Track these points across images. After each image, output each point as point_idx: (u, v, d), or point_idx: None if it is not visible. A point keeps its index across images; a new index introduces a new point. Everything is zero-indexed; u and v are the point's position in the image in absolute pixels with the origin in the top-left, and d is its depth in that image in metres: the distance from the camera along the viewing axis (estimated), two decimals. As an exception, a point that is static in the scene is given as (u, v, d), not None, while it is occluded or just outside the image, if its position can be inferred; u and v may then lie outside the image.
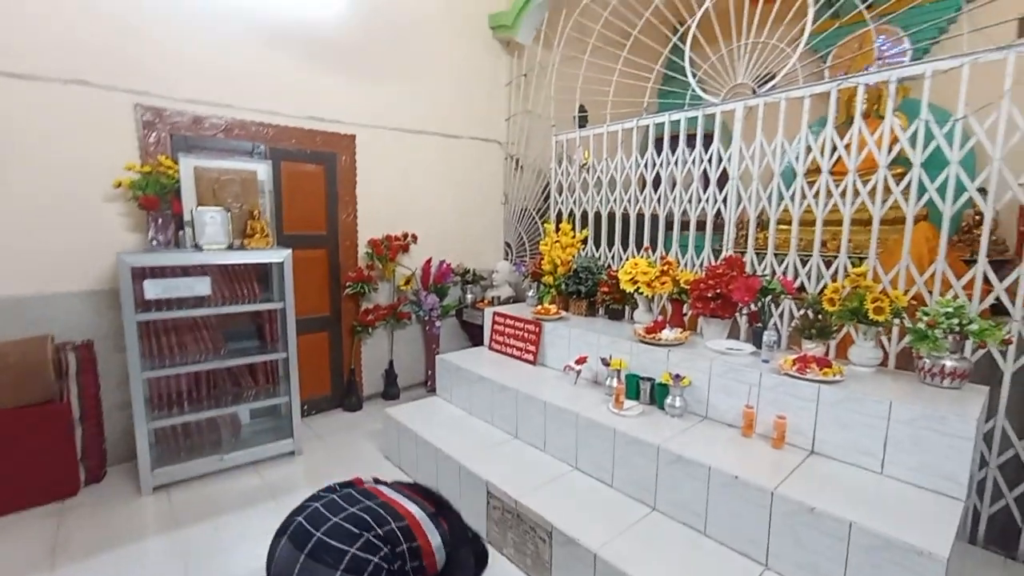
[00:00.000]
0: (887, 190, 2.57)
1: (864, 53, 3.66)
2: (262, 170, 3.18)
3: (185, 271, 2.81)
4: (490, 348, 3.50)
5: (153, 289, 2.64)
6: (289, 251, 3.06)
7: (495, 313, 3.49)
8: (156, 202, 2.78)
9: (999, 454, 2.30)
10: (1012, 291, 2.23)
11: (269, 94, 3.44)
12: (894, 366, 2.49)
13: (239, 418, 3.27)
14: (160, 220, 2.84)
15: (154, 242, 2.84)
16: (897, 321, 2.27)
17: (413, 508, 1.65)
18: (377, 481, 1.91)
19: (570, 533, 1.95)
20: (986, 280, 2.30)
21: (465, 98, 4.54)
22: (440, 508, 1.72)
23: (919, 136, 2.46)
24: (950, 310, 1.93)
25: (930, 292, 2.45)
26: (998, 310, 2.31)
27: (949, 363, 1.95)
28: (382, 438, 3.34)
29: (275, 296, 3.15)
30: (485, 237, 4.87)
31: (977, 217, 3.48)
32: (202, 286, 2.78)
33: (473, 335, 4.51)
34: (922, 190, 2.45)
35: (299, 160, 3.63)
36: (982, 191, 2.31)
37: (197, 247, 2.82)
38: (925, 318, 2.00)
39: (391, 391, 4.28)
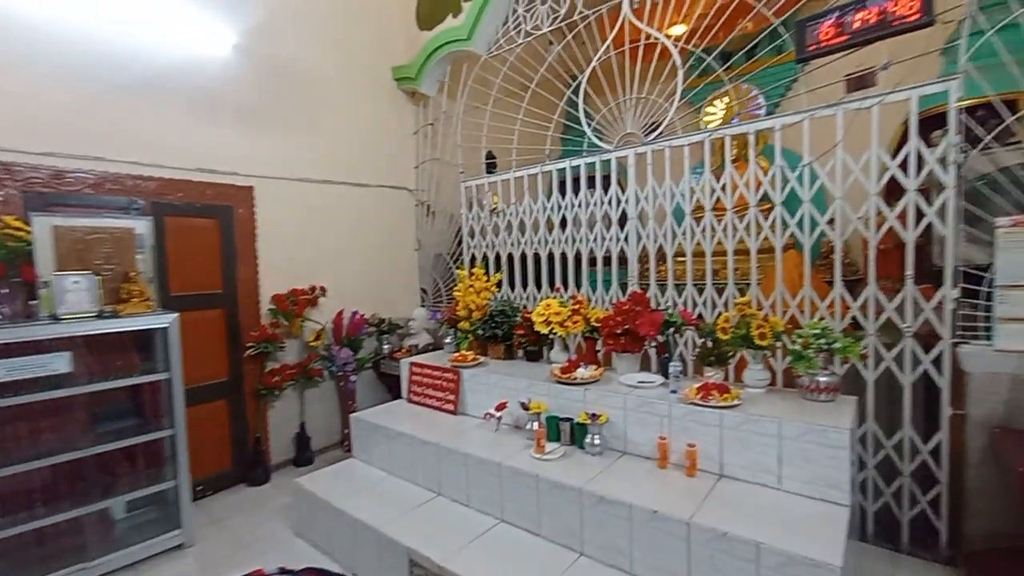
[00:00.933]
0: (759, 225, 2.90)
1: (731, 106, 4.18)
2: (140, 227, 2.89)
3: (37, 347, 2.42)
4: (409, 400, 3.36)
5: (-7, 372, 2.24)
6: (175, 315, 2.77)
7: (412, 364, 3.37)
8: (1, 269, 2.40)
9: (874, 455, 2.57)
10: (865, 308, 2.57)
11: (149, 145, 3.18)
12: (782, 384, 2.73)
13: (111, 514, 2.80)
14: (7, 290, 2.45)
15: None
16: (779, 343, 2.51)
17: None
18: (284, 571, 1.71)
19: (498, 595, 1.86)
20: (845, 299, 2.63)
21: (372, 147, 4.51)
22: None
23: (777, 179, 2.81)
24: (818, 331, 2.17)
25: (802, 312, 2.75)
26: (857, 325, 2.64)
27: (823, 379, 2.17)
28: (293, 513, 3.03)
29: (159, 366, 2.81)
30: (399, 285, 4.77)
31: (832, 244, 4.02)
32: (59, 363, 2.41)
33: (391, 386, 4.31)
34: (788, 224, 2.79)
35: (187, 215, 3.35)
36: (832, 222, 2.68)
37: (54, 318, 2.46)
38: (799, 340, 2.23)
39: (304, 457, 3.94)
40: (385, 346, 4.36)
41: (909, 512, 2.50)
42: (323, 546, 2.75)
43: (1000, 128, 2.30)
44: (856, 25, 2.48)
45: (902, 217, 2.47)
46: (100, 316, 2.60)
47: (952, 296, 2.35)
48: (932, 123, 2.64)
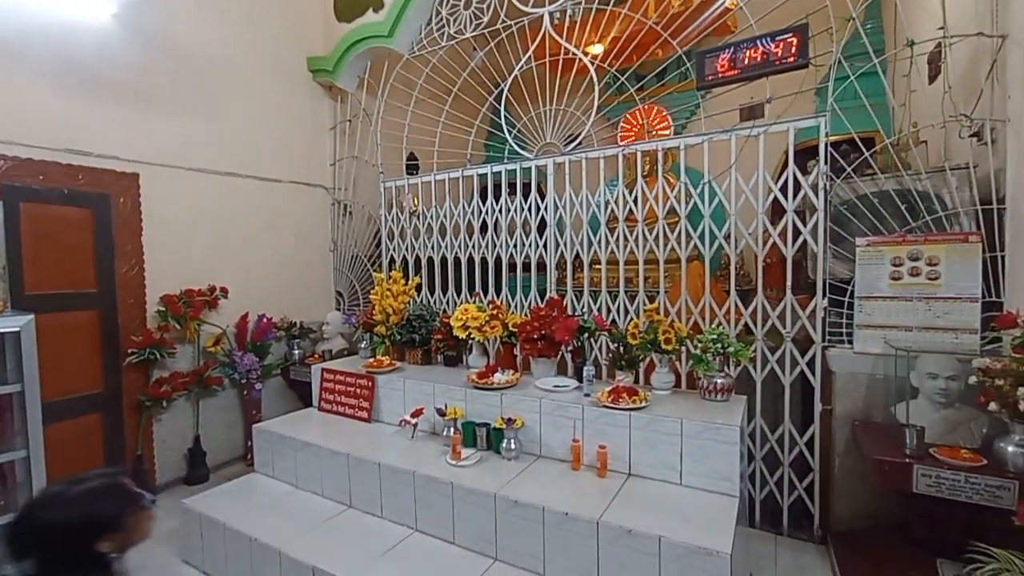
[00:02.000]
0: (666, 236, 3.11)
1: (643, 124, 4.46)
2: (-12, 215, 2.46)
3: None
4: (320, 408, 3.17)
5: None
6: (30, 317, 2.38)
7: (323, 370, 3.19)
8: None
9: (760, 447, 2.85)
10: (754, 315, 2.84)
11: (1, 118, 2.72)
12: (685, 386, 2.93)
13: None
14: None
15: None
16: (683, 347, 2.70)
17: None
18: None
19: (408, 609, 1.80)
20: (739, 307, 2.90)
21: (285, 141, 4.23)
22: None
23: (682, 195, 3.04)
24: (715, 336, 2.37)
25: (704, 319, 2.99)
26: (749, 330, 2.91)
27: (719, 380, 2.36)
28: (180, 538, 2.72)
29: (8, 376, 2.40)
30: (313, 287, 4.50)
31: (730, 257, 4.42)
32: None
33: (303, 394, 4.05)
34: (692, 236, 3.02)
35: (51, 202, 2.91)
36: (728, 237, 2.94)
37: None
38: (700, 344, 2.41)
39: (198, 474, 3.57)
40: (296, 351, 4.09)
41: (789, 498, 2.79)
42: (215, 573, 2.50)
43: (859, 160, 2.66)
44: (746, 61, 2.76)
45: (783, 234, 2.77)
46: (-70, 318, 2.18)
47: (822, 305, 2.67)
48: (808, 154, 2.99)
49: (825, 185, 2.65)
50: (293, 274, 4.30)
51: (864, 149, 2.63)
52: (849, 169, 2.65)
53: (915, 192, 2.57)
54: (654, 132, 3.73)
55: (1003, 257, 2.33)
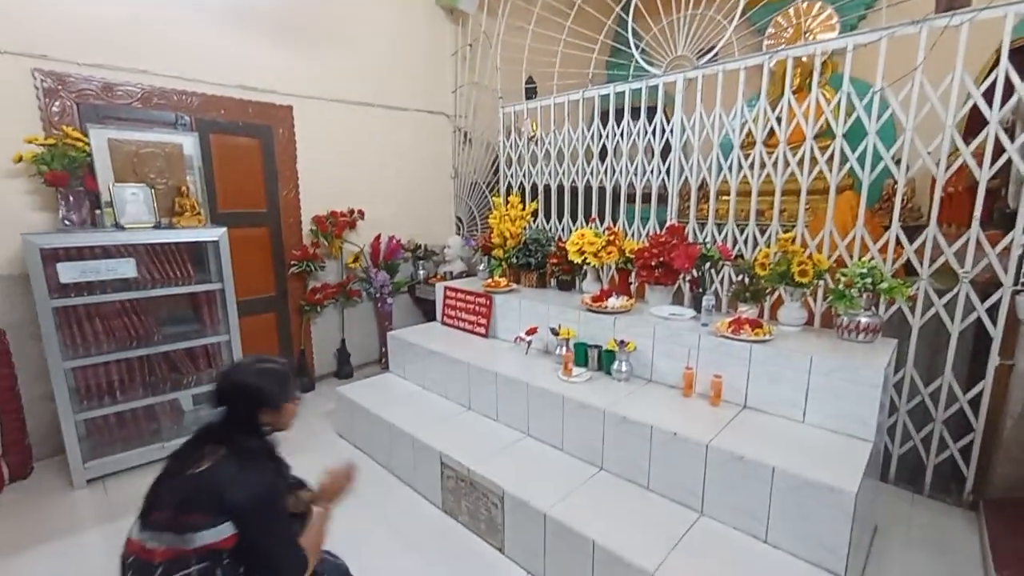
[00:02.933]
0: (814, 161, 2.72)
1: (799, 24, 3.80)
2: (188, 143, 2.97)
3: (106, 252, 2.62)
4: (443, 323, 3.49)
5: (68, 273, 2.45)
6: (224, 229, 2.90)
7: (446, 288, 3.47)
8: (65, 178, 2.55)
9: (908, 400, 2.54)
10: (921, 252, 2.43)
11: (190, 59, 3.19)
12: (819, 325, 2.67)
13: (180, 405, 3.13)
14: (71, 198, 2.60)
15: (66, 222, 2.61)
16: (820, 283, 2.43)
17: None
18: None
19: (521, 496, 2.01)
20: (900, 241, 2.49)
21: (409, 69, 4.38)
22: None
23: (842, 108, 2.59)
24: (864, 271, 2.08)
25: (851, 256, 2.63)
26: (913, 271, 2.51)
27: (864, 319, 2.11)
28: (336, 417, 3.30)
29: (212, 277, 3.00)
30: (435, 212, 4.80)
31: (895, 187, 3.74)
32: (126, 268, 2.60)
33: (427, 311, 4.47)
34: (848, 159, 2.60)
35: (231, 132, 3.41)
36: (899, 162, 2.48)
37: (118, 226, 2.62)
38: (843, 279, 2.15)
39: (344, 370, 4.21)
40: (421, 271, 4.48)
41: (936, 457, 2.49)
42: (363, 447, 3.00)
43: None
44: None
45: (979, 153, 2.26)
46: (158, 227, 2.76)
47: (1021, 241, 2.19)
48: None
49: (1050, 87, 2.07)
50: (418, 199, 4.61)
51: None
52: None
53: None
54: (813, 36, 3.16)
55: None
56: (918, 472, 2.55)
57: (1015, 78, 2.15)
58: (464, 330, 3.29)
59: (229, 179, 3.45)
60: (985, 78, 2.26)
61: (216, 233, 2.87)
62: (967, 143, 2.30)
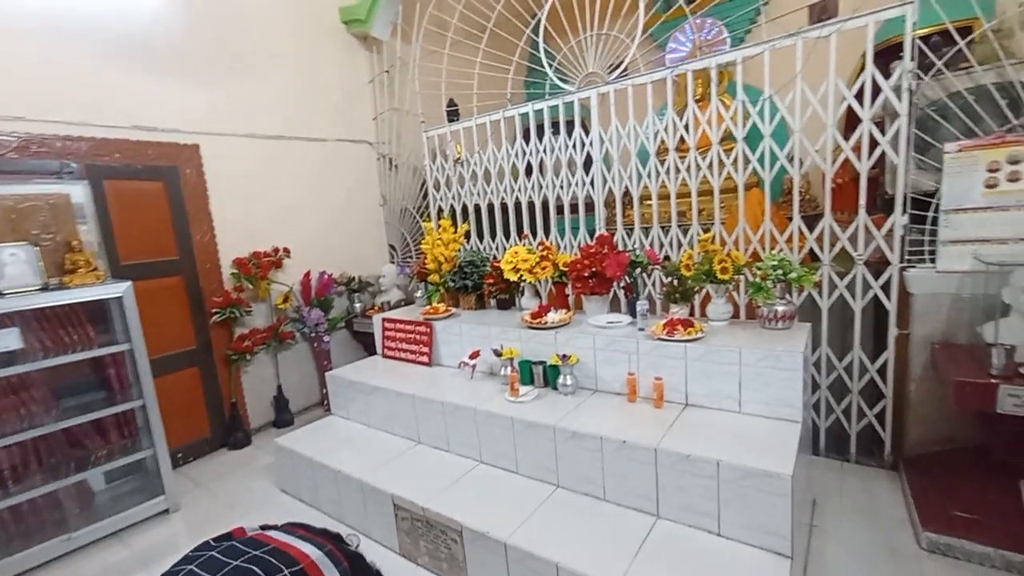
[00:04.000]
0: (721, 163, 2.92)
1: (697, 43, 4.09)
2: (77, 192, 2.72)
3: (-18, 324, 2.31)
4: (384, 356, 3.38)
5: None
6: (128, 283, 2.66)
7: (384, 319, 3.36)
8: (-71, 244, 2.23)
9: (827, 376, 2.74)
10: (821, 240, 2.66)
11: (75, 102, 2.92)
12: (744, 317, 2.84)
13: (90, 485, 2.79)
14: (-61, 266, 2.29)
15: (-66, 294, 2.29)
16: (741, 277, 2.59)
17: (308, 549, 1.51)
18: (265, 527, 1.70)
19: (479, 528, 1.95)
20: (802, 231, 2.72)
21: (325, 98, 4.27)
22: (339, 544, 1.59)
23: (739, 115, 2.80)
24: (775, 263, 2.24)
25: (763, 248, 2.83)
26: (817, 257, 2.74)
27: (780, 308, 2.26)
28: (276, 471, 3.08)
29: (118, 337, 2.73)
30: (367, 242, 4.67)
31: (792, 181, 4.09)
32: (8, 340, 2.30)
33: (367, 344, 4.31)
34: (749, 160, 2.81)
35: (129, 177, 3.15)
36: (793, 159, 2.71)
37: (-3, 293, 2.33)
38: (759, 272, 2.30)
39: (283, 418, 3.96)
40: (357, 304, 4.32)
41: (857, 426, 2.71)
42: (308, 500, 2.81)
43: (952, 53, 2.32)
44: (815, -54, 2.41)
45: (857, 148, 2.52)
46: (45, 289, 2.48)
47: (901, 223, 2.45)
48: (889, 54, 2.65)
49: (911, 85, 2.35)
50: (347, 230, 4.47)
51: (959, 39, 2.29)
52: (940, 64, 2.32)
53: (1019, 85, 2.23)
54: (708, 49, 3.42)
55: None
56: (844, 441, 2.76)
57: (880, 79, 2.42)
58: (406, 361, 3.20)
59: (131, 227, 3.17)
60: (856, 79, 2.53)
61: (118, 289, 2.61)
62: (847, 139, 2.56)
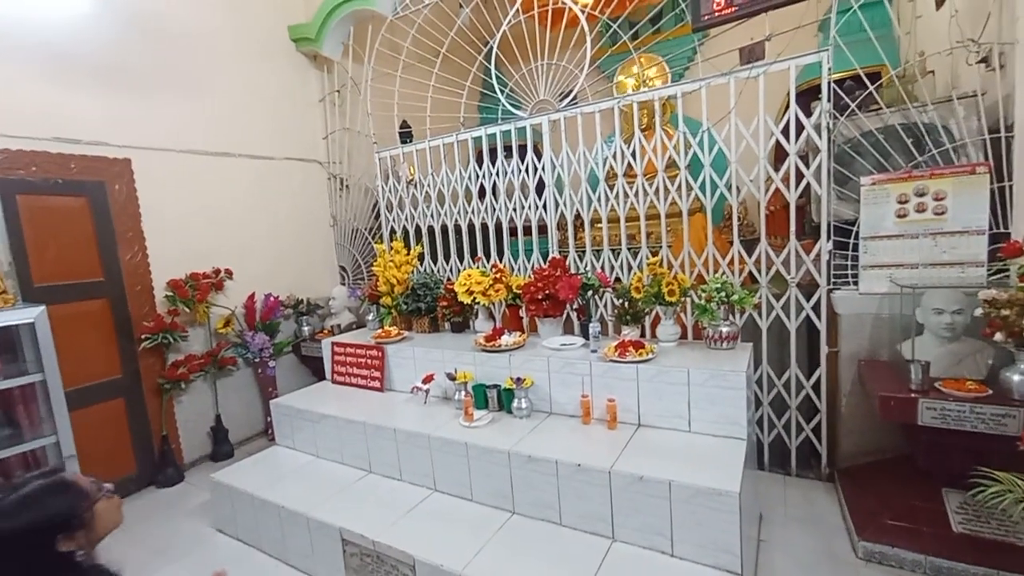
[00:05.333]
0: (667, 189, 3.06)
1: (640, 74, 4.32)
2: (-13, 209, 2.47)
3: None
4: (333, 381, 3.24)
5: None
6: (41, 308, 2.43)
7: (333, 343, 3.24)
8: None
9: (768, 393, 2.89)
10: (759, 263, 2.83)
11: (-12, 112, 2.69)
12: (692, 337, 2.96)
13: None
14: None
15: None
16: (687, 299, 2.70)
17: None
18: None
19: (433, 561, 1.89)
20: (742, 256, 2.88)
21: (273, 116, 4.15)
22: None
23: (681, 145, 2.97)
24: (719, 285, 2.36)
25: (708, 271, 2.98)
26: (754, 279, 2.90)
27: (724, 329, 2.37)
28: (212, 510, 2.85)
29: (29, 367, 2.47)
30: (316, 263, 4.51)
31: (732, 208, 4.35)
32: None
33: (316, 369, 4.13)
34: (692, 187, 2.97)
35: (46, 192, 2.91)
36: (730, 187, 2.89)
37: None
38: (703, 294, 2.41)
39: (222, 450, 3.70)
40: (305, 328, 4.15)
41: (796, 440, 2.85)
42: (248, 539, 2.62)
43: (864, 95, 2.57)
44: (743, -3, 2.63)
45: (786, 179, 2.72)
46: (-56, 315, 2.23)
47: (827, 248, 2.65)
48: (810, 95, 2.89)
49: (828, 124, 2.58)
50: (296, 251, 4.31)
51: (869, 84, 2.55)
52: (853, 105, 2.57)
53: (921, 125, 2.50)
54: (651, 83, 3.62)
55: (1011, 186, 2.29)
56: (786, 456, 2.89)
57: (802, 117, 2.65)
58: (357, 386, 3.09)
59: (47, 247, 2.91)
60: (783, 115, 2.75)
61: (29, 314, 2.38)
62: (777, 171, 2.76)
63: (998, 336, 1.92)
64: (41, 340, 2.41)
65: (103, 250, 3.16)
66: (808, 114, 2.67)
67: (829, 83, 2.56)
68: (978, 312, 2.00)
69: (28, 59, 2.84)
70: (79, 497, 1.10)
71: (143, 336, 3.26)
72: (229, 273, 3.73)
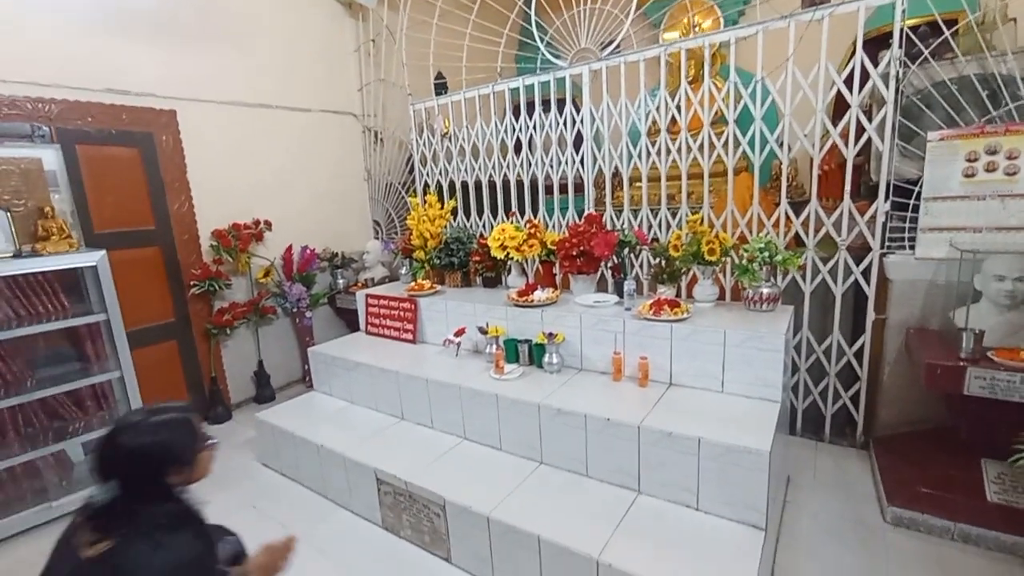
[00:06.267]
0: (712, 145, 2.91)
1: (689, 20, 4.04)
2: (49, 157, 2.59)
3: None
4: (367, 332, 3.34)
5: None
6: (103, 252, 2.57)
7: (368, 296, 3.32)
8: None
9: (806, 359, 2.81)
10: (807, 225, 2.69)
11: (46, 62, 2.77)
12: (730, 299, 2.88)
13: (68, 456, 2.74)
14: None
15: None
16: (727, 259, 2.61)
17: None
18: None
19: (462, 502, 1.97)
20: (789, 216, 2.74)
21: (309, 67, 4.12)
22: None
23: (731, 96, 2.79)
24: (762, 245, 2.27)
25: (751, 231, 2.86)
26: (802, 242, 2.77)
27: (765, 290, 2.29)
28: (257, 446, 3.05)
29: (94, 307, 2.64)
30: (351, 217, 4.58)
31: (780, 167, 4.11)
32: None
33: (350, 322, 4.26)
34: (740, 142, 2.81)
35: (102, 143, 3.02)
36: (783, 144, 2.72)
37: (-36, 259, 2.23)
38: (745, 254, 2.32)
39: (265, 393, 3.92)
40: (340, 281, 4.26)
41: (832, 407, 2.79)
42: (291, 474, 2.80)
43: (939, 42, 2.33)
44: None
45: (845, 134, 2.54)
46: (18, 255, 2.38)
47: (883, 209, 2.48)
48: (879, 43, 2.65)
49: (898, 73, 2.36)
50: (331, 205, 4.37)
51: (945, 30, 2.30)
52: (927, 53, 2.34)
53: (999, 77, 2.27)
54: (700, 29, 3.38)
55: (1101, 145, 2.07)
56: (819, 423, 2.84)
57: (869, 66, 2.43)
58: (390, 338, 3.18)
59: (105, 195, 3.05)
60: (846, 65, 2.53)
61: (92, 257, 2.52)
62: (835, 125, 2.57)
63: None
64: (104, 282, 2.56)
65: (154, 200, 3.29)
66: (875, 64, 2.45)
67: (902, 28, 2.33)
68: (1045, 280, 1.87)
69: (81, 9, 2.88)
70: (199, 438, 1.22)
71: (191, 283, 3.42)
72: (268, 224, 3.83)
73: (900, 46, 2.35)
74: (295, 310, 3.94)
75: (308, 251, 4.02)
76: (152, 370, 3.23)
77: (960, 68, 2.35)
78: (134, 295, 3.09)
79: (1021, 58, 2.23)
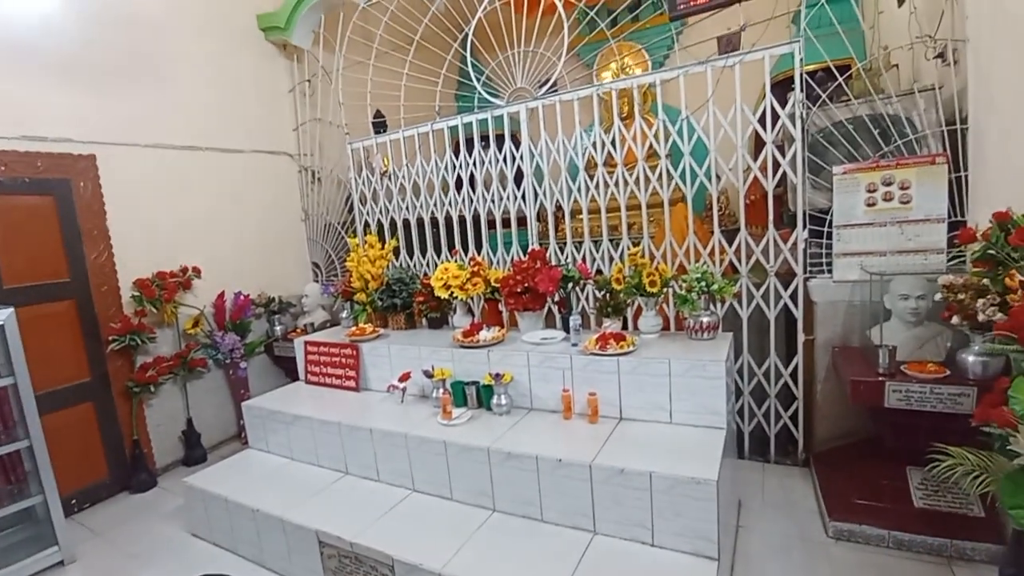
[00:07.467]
0: (647, 178, 3.05)
1: (621, 61, 4.28)
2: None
3: None
4: (307, 382, 3.17)
5: None
6: (11, 310, 2.32)
7: (307, 342, 3.16)
8: None
9: (748, 382, 2.91)
10: (739, 253, 2.84)
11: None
12: (674, 328, 2.96)
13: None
14: None
15: None
16: (669, 290, 2.70)
17: None
18: None
19: (411, 560, 1.86)
20: (723, 245, 2.89)
21: (241, 108, 4.01)
22: None
23: (660, 133, 2.96)
24: (699, 275, 2.36)
25: (689, 261, 2.98)
26: (735, 268, 2.91)
27: (705, 319, 2.37)
28: (186, 514, 2.78)
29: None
30: (287, 259, 4.40)
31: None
32: None
33: (289, 370, 4.03)
34: (672, 176, 2.96)
35: (12, 192, 2.79)
36: (710, 176, 2.89)
37: None
38: (684, 284, 2.41)
39: (195, 455, 3.60)
40: (277, 327, 4.04)
41: (775, 427, 2.89)
42: (224, 544, 2.56)
43: (834, 87, 2.59)
44: (718, -16, 2.61)
45: (764, 168, 2.73)
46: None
47: (803, 237, 2.67)
48: (785, 86, 2.89)
49: (802, 113, 2.59)
50: (266, 248, 4.19)
51: (838, 75, 2.57)
52: (824, 96, 2.58)
53: (887, 116, 2.54)
54: (631, 70, 3.59)
55: (966, 176, 2.35)
56: (765, 443, 2.93)
57: (777, 107, 2.65)
58: (332, 386, 3.02)
59: (15, 247, 2.80)
60: (759, 106, 2.75)
61: (-1, 316, 2.27)
62: (755, 160, 2.76)
63: (955, 319, 1.97)
64: (11, 342, 2.31)
65: (69, 250, 3.04)
66: (784, 104, 2.68)
67: (801, 74, 2.57)
68: (938, 297, 2.05)
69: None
70: None
71: (110, 338, 3.14)
72: (197, 271, 3.60)
73: (802, 89, 2.59)
74: (228, 361, 3.69)
75: (242, 297, 3.80)
76: (66, 436, 2.93)
77: (854, 109, 2.61)
78: (45, 354, 2.81)
79: (904, 100, 2.51)
